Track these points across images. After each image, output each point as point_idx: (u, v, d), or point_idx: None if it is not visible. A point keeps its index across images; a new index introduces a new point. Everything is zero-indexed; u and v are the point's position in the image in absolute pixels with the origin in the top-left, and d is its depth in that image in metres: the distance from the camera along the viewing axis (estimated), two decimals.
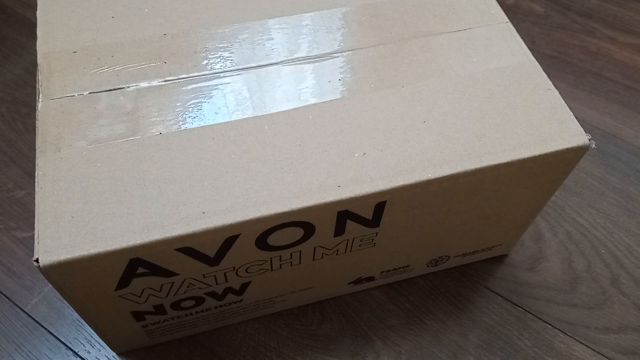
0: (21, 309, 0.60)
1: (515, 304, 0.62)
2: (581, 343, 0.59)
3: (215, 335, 0.59)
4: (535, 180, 0.49)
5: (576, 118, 0.47)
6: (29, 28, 0.84)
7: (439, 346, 0.59)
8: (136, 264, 0.41)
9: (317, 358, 0.58)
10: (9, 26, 0.84)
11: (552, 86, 0.49)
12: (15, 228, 0.65)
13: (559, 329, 0.60)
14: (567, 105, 0.48)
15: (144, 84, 0.47)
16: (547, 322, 0.61)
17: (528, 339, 0.60)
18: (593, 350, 0.59)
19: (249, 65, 0.49)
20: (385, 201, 0.44)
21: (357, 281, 0.59)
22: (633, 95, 0.80)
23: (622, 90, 0.80)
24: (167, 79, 0.47)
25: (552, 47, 0.85)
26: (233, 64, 0.49)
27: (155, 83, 0.47)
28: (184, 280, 0.46)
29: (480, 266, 0.64)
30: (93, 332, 0.59)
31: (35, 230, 0.40)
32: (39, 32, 0.50)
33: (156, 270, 0.43)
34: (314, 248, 0.48)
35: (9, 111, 0.75)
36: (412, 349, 0.59)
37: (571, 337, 0.60)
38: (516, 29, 0.53)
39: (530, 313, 0.61)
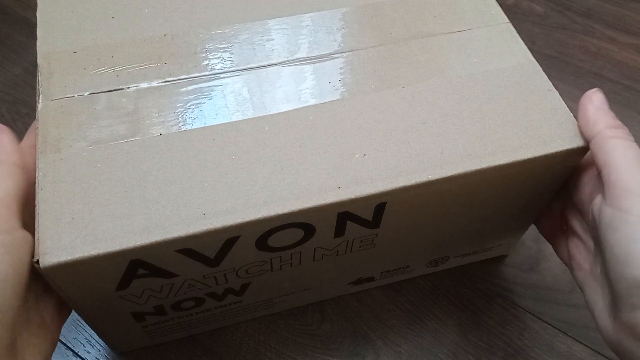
0: None
1: (515, 304, 0.62)
2: (581, 343, 0.59)
3: (215, 335, 0.59)
4: (535, 181, 0.49)
5: (576, 118, 0.47)
6: (29, 28, 0.84)
7: (439, 346, 0.59)
8: (136, 265, 0.41)
9: (317, 358, 0.58)
10: (9, 26, 0.84)
11: (552, 87, 0.49)
12: None
13: (559, 329, 0.60)
14: (567, 106, 0.48)
15: (144, 85, 0.47)
16: (547, 322, 0.61)
17: (528, 339, 0.60)
18: (593, 350, 0.59)
19: (249, 66, 0.49)
20: (386, 202, 0.44)
21: (357, 281, 0.59)
22: (633, 95, 0.80)
23: (622, 90, 0.80)
24: (167, 79, 0.47)
25: (552, 47, 0.85)
26: (233, 64, 0.49)
27: (155, 84, 0.47)
28: (184, 281, 0.46)
29: (480, 266, 0.64)
30: (93, 332, 0.58)
31: (36, 232, 0.40)
32: (39, 32, 0.50)
33: (156, 271, 0.43)
34: (314, 249, 0.48)
35: (9, 111, 0.75)
36: (412, 349, 0.59)
37: (571, 337, 0.60)
38: (516, 29, 0.53)
39: (530, 313, 0.61)
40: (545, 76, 0.50)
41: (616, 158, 0.43)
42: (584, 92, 0.47)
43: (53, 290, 0.43)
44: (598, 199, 0.44)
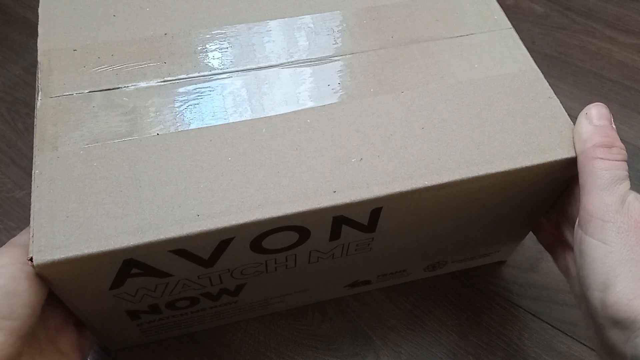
0: None
1: (515, 304, 0.62)
2: (581, 343, 0.59)
3: (215, 335, 0.59)
4: (533, 189, 0.48)
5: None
6: (29, 28, 0.85)
7: (439, 346, 0.59)
8: (130, 265, 0.42)
9: (317, 358, 0.58)
10: (9, 26, 0.85)
11: (553, 94, 0.48)
12: (15, 228, 0.66)
13: (559, 329, 0.60)
14: (567, 106, 0.48)
15: (142, 84, 0.47)
16: (547, 322, 0.61)
17: (528, 339, 0.60)
18: (593, 350, 0.59)
19: (248, 67, 0.49)
20: (381, 207, 0.44)
21: (354, 284, 0.59)
22: (633, 96, 0.79)
23: (622, 90, 0.80)
24: (166, 79, 0.47)
25: (552, 47, 0.85)
26: (232, 65, 0.49)
27: (154, 83, 0.47)
28: (179, 281, 0.46)
29: (480, 266, 0.64)
30: None
31: (30, 230, 0.40)
32: (40, 29, 0.50)
33: (150, 271, 0.43)
34: (310, 252, 0.48)
35: (9, 111, 0.75)
36: (412, 349, 0.59)
37: (571, 337, 0.60)
38: (516, 29, 0.53)
39: (530, 313, 0.61)
40: (547, 83, 0.49)
41: (590, 180, 0.42)
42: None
43: (70, 323, 0.46)
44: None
